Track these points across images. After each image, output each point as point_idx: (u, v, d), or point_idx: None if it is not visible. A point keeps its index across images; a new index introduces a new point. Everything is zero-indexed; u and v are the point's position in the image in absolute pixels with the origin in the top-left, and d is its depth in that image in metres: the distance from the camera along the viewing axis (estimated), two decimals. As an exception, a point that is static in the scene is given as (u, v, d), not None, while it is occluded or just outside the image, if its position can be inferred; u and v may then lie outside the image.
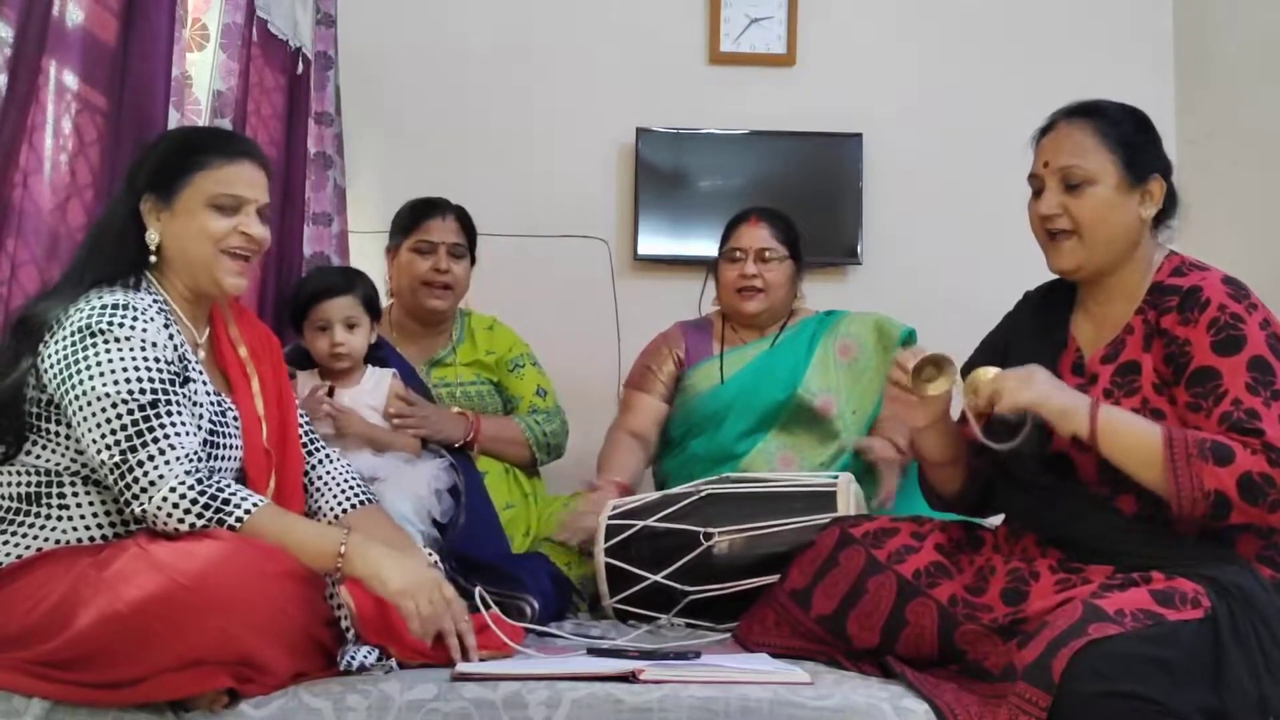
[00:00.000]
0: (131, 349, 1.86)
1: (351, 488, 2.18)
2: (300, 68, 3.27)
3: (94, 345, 1.85)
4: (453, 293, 2.97)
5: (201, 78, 2.86)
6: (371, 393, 2.61)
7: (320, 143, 3.36)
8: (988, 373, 1.93)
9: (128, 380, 1.83)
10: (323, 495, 2.17)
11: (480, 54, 3.86)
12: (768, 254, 2.96)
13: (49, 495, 1.88)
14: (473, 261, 3.04)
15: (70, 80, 2.37)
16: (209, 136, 2.16)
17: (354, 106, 3.58)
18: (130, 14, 2.48)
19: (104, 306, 1.88)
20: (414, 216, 2.99)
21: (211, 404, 1.98)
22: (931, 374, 1.98)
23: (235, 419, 2.02)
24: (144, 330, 1.88)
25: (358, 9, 3.68)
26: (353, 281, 2.64)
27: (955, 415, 2.10)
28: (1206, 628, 1.72)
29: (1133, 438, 1.84)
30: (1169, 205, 2.04)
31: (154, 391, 1.84)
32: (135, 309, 1.89)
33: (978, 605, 1.90)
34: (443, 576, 1.95)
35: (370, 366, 2.64)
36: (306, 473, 2.16)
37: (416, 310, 2.98)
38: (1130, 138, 1.99)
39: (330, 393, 2.55)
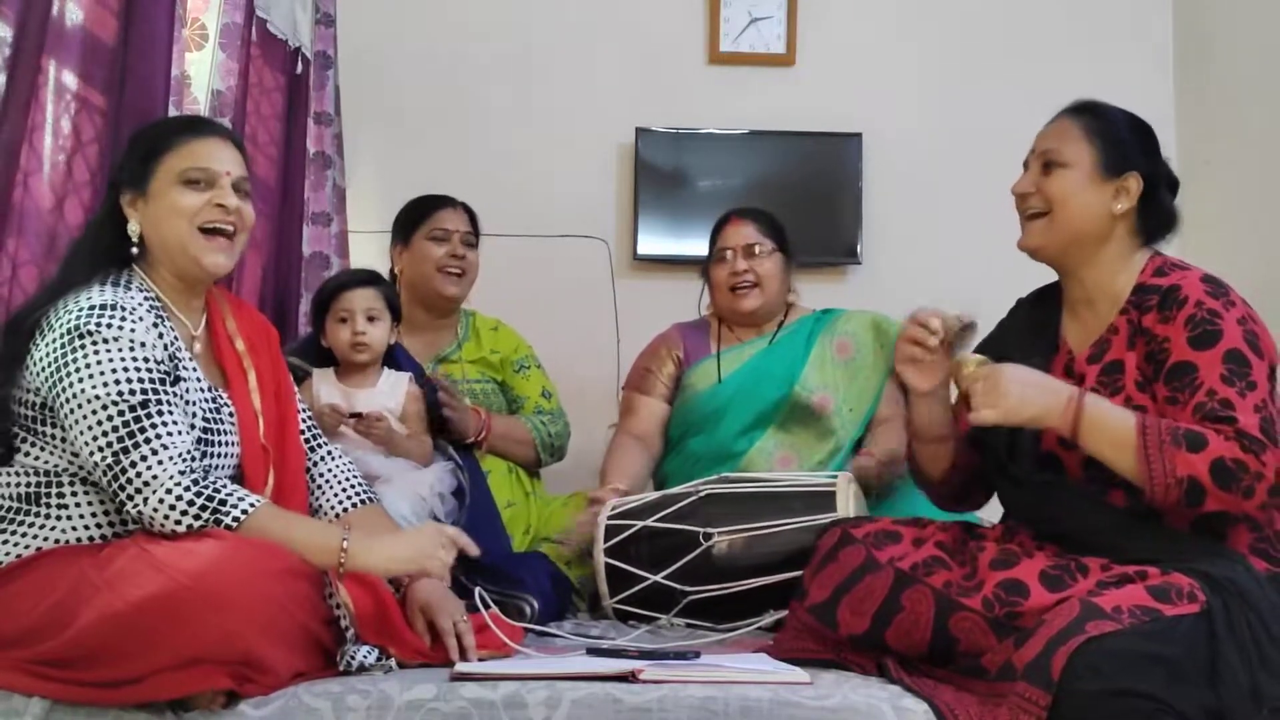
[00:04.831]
0: (120, 350, 1.84)
1: (353, 485, 2.18)
2: (300, 67, 3.27)
3: (82, 347, 1.83)
4: (467, 279, 3.00)
5: (201, 77, 2.87)
6: (388, 395, 2.60)
7: (319, 142, 3.36)
8: (967, 364, 1.95)
9: (117, 381, 1.82)
10: (324, 492, 2.16)
11: (480, 54, 3.86)
12: (756, 249, 2.96)
13: (48, 495, 1.88)
14: None
15: (70, 80, 2.37)
16: (175, 121, 2.17)
17: (354, 106, 3.58)
18: (129, 13, 2.48)
19: (91, 307, 1.86)
20: (426, 207, 3.03)
21: (206, 401, 1.97)
22: (955, 339, 2.03)
23: (231, 415, 2.01)
24: (132, 330, 1.86)
25: (357, 9, 3.68)
26: (375, 277, 2.68)
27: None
28: (1202, 622, 1.72)
29: (1108, 426, 1.86)
30: (1166, 220, 2.07)
31: (144, 392, 1.83)
32: (123, 308, 1.87)
33: (969, 586, 1.89)
34: (439, 527, 2.02)
35: (386, 369, 2.65)
36: (308, 469, 2.16)
37: (430, 299, 2.99)
38: (1115, 135, 2.05)
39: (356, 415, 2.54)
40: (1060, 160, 2.04)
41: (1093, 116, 2.07)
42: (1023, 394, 1.89)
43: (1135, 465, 1.83)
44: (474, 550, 1.98)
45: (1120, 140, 2.04)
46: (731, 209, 3.10)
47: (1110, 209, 2.03)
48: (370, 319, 2.58)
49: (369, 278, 2.66)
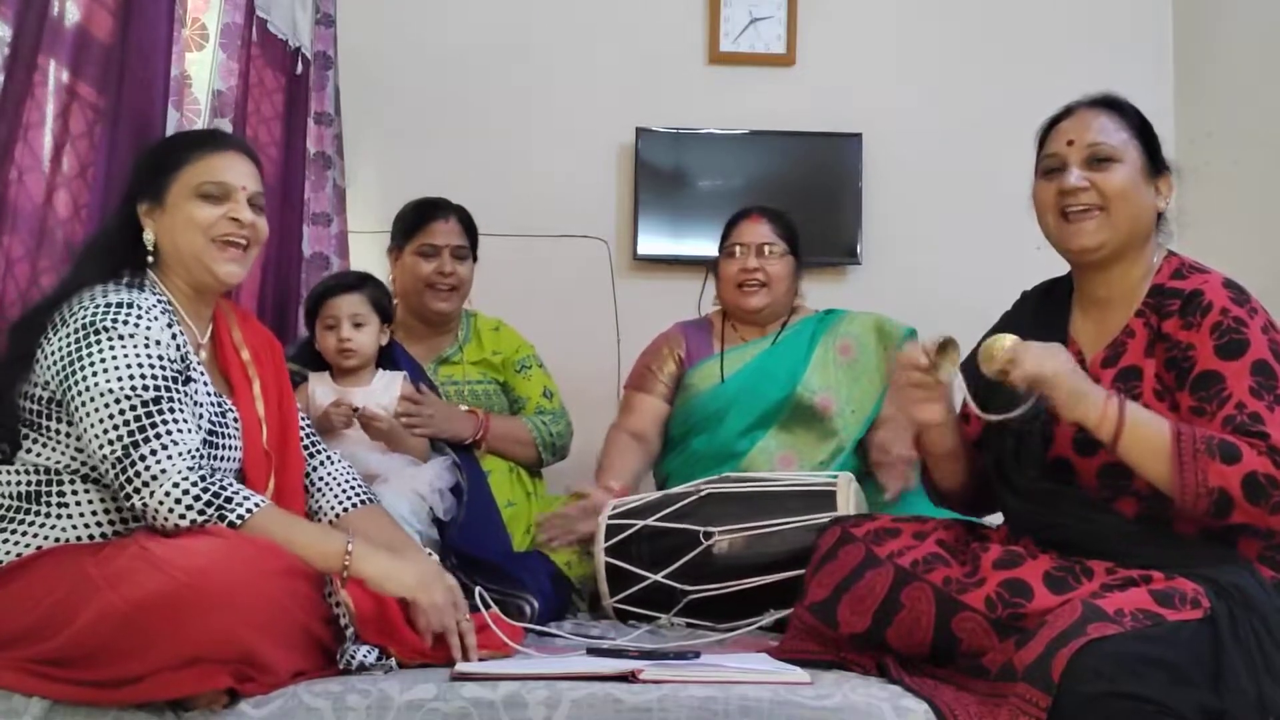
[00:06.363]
0: (135, 346, 1.86)
1: (352, 488, 2.18)
2: (300, 68, 3.27)
3: (97, 342, 1.85)
4: (458, 293, 2.99)
5: (201, 77, 2.86)
6: (382, 394, 2.62)
7: (320, 143, 3.36)
8: (1005, 339, 1.87)
9: (130, 377, 1.84)
10: (323, 495, 2.17)
11: (480, 54, 3.86)
12: (768, 249, 2.97)
13: (49, 494, 1.88)
14: (474, 260, 3.04)
15: (68, 79, 2.37)
16: (195, 135, 2.20)
17: (354, 106, 3.58)
18: (128, 13, 2.48)
19: (107, 304, 1.89)
20: (417, 219, 2.99)
21: (212, 405, 1.98)
22: (938, 359, 1.95)
23: (235, 420, 2.03)
24: (147, 328, 1.89)
25: (357, 9, 3.68)
26: (361, 281, 2.67)
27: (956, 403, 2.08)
28: (1206, 628, 1.71)
29: (1144, 431, 1.82)
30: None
31: (157, 388, 1.85)
32: (139, 307, 1.90)
33: (969, 582, 1.87)
34: (443, 569, 1.99)
35: (380, 369, 2.65)
36: (307, 474, 2.17)
37: (422, 311, 2.98)
38: (1151, 132, 2.03)
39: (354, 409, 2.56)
40: (1112, 154, 1.98)
41: (1124, 112, 2.02)
42: (1073, 366, 1.85)
43: (1168, 472, 1.79)
44: (465, 610, 1.94)
45: (1154, 138, 2.02)
46: (751, 205, 3.10)
47: (1156, 206, 2.01)
48: (356, 325, 2.58)
49: (354, 282, 2.65)
